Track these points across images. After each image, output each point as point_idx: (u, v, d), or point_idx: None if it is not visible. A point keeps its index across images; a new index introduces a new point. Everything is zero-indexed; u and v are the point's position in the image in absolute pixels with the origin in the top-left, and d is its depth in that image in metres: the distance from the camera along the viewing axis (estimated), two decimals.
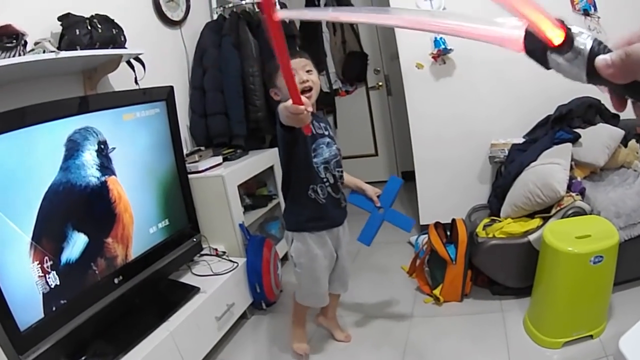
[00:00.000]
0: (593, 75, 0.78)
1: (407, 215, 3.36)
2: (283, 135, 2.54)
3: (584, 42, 0.76)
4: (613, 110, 3.95)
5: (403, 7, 4.28)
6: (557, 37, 0.76)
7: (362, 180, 3.26)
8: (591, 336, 2.99)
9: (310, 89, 2.71)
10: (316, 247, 2.90)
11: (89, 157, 2.75)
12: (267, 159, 4.57)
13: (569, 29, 0.76)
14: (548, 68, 0.85)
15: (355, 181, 3.22)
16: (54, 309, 2.50)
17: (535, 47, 0.82)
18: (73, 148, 2.65)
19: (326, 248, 2.95)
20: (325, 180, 2.81)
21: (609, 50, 0.76)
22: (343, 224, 3.05)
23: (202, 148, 4.24)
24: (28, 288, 2.39)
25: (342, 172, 2.95)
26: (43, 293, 2.45)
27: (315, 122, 2.81)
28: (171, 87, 3.46)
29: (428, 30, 0.93)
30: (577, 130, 3.84)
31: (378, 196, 3.19)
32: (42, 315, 2.44)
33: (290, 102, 2.05)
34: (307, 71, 2.71)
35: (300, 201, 2.84)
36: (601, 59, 0.74)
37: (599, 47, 0.75)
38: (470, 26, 0.91)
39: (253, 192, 4.79)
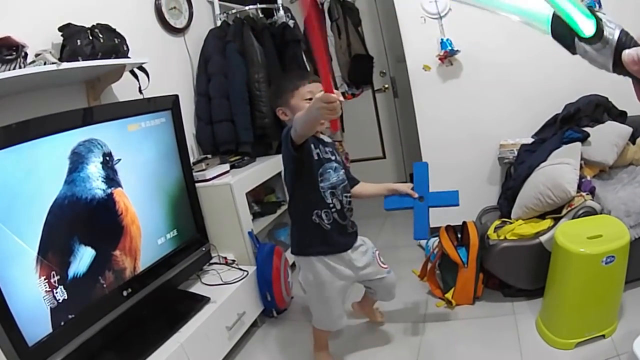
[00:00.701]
0: (619, 66, 0.77)
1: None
2: (292, 156, 2.55)
3: (612, 31, 0.76)
4: (621, 108, 3.95)
5: (408, 8, 4.29)
6: (588, 27, 0.75)
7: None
8: (603, 336, 2.97)
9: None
10: (323, 273, 2.85)
11: (94, 169, 2.74)
12: (274, 165, 4.54)
13: (600, 20, 0.75)
14: (574, 53, 0.84)
15: (382, 186, 3.16)
16: (62, 323, 2.48)
17: (563, 32, 0.81)
18: (77, 161, 2.64)
19: (336, 271, 2.89)
20: (331, 205, 2.77)
21: (635, 43, 0.74)
22: (355, 246, 2.97)
23: (209, 156, 4.23)
24: (35, 303, 2.37)
25: (349, 197, 2.90)
26: (51, 308, 2.43)
27: (322, 147, 2.78)
28: (176, 96, 3.44)
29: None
30: (585, 129, 3.82)
31: (412, 189, 3.12)
32: (51, 330, 2.42)
33: (321, 94, 2.05)
34: None
35: (304, 225, 2.81)
36: (629, 55, 0.74)
37: (626, 38, 0.75)
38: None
39: (261, 199, 4.77)
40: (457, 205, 3.07)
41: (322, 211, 2.74)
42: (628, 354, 1.87)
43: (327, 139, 2.86)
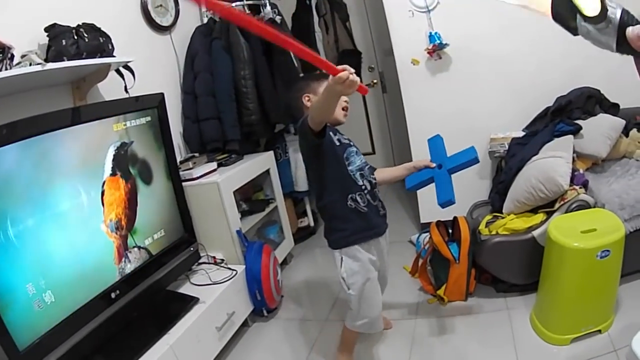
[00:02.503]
0: (623, 45, 0.76)
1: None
2: (314, 145, 2.56)
3: (614, 11, 0.74)
4: (614, 100, 3.94)
5: (396, 2, 4.26)
6: (593, 6, 0.74)
7: None
8: (599, 331, 2.96)
9: (347, 110, 2.80)
10: (369, 262, 2.80)
11: (80, 171, 2.70)
12: (262, 162, 4.54)
13: None
14: (575, 35, 0.82)
15: (401, 168, 3.08)
16: (51, 327, 2.44)
17: (564, 13, 0.79)
18: (63, 162, 2.60)
19: (374, 260, 2.85)
20: (363, 187, 2.75)
21: (637, 21, 0.73)
22: (385, 234, 2.94)
23: (196, 154, 4.20)
24: (25, 307, 2.33)
25: (374, 178, 2.87)
26: (40, 311, 2.40)
27: (340, 134, 2.79)
28: (162, 95, 3.40)
29: None
30: (577, 121, 3.81)
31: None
32: (41, 334, 2.38)
33: (332, 78, 2.06)
34: None
35: (342, 214, 2.76)
36: (632, 31, 0.73)
37: (627, 17, 0.74)
38: None
39: (250, 197, 4.75)
40: (477, 160, 2.89)
41: (357, 194, 2.73)
42: (627, 352, 1.84)
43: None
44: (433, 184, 2.87)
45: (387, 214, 2.95)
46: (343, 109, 2.74)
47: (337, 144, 2.71)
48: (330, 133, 2.65)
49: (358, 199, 2.72)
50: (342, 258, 2.82)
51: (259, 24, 1.73)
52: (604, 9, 0.72)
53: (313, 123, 2.43)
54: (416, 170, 2.96)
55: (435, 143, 3.01)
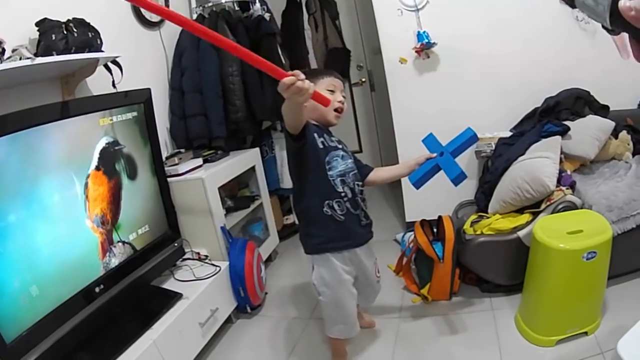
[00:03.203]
0: (616, 17, 0.76)
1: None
2: (293, 147, 2.53)
3: None
4: (601, 102, 3.93)
5: (385, 0, 4.27)
6: None
7: None
8: (586, 333, 2.95)
9: (342, 111, 2.76)
10: (342, 271, 2.76)
11: (66, 166, 2.70)
12: (248, 159, 4.54)
13: None
14: (573, 6, 0.83)
15: (401, 167, 3.03)
16: (37, 320, 2.44)
17: None
18: (49, 156, 2.60)
19: (349, 270, 2.81)
20: (343, 194, 2.67)
21: None
22: (367, 245, 2.89)
23: (182, 150, 4.18)
24: (12, 300, 2.33)
25: (361, 186, 2.81)
26: (26, 305, 2.39)
27: (327, 136, 2.73)
28: (148, 90, 3.40)
29: None
30: (565, 122, 3.81)
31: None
32: (27, 327, 2.38)
33: (280, 83, 1.94)
34: (343, 96, 2.74)
35: (317, 221, 2.71)
36: (625, 3, 0.72)
37: None
38: None
39: (235, 193, 4.74)
40: (476, 137, 2.82)
41: (334, 201, 2.66)
42: (612, 355, 1.84)
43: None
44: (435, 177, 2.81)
45: (371, 224, 2.90)
46: (335, 110, 2.70)
47: (320, 146, 2.64)
48: (315, 135, 2.62)
49: (335, 206, 2.66)
50: (313, 265, 2.82)
51: (199, 27, 1.67)
52: None
53: (287, 127, 2.42)
54: (418, 166, 2.85)
55: (430, 140, 2.96)
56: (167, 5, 4.52)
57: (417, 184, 2.79)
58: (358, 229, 2.78)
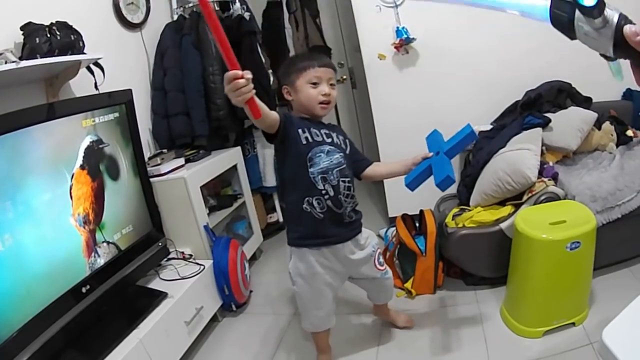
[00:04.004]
0: (620, 46, 0.77)
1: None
2: (271, 141, 2.54)
3: (612, 12, 0.75)
4: (584, 94, 3.95)
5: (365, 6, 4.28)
6: None
7: None
8: (573, 324, 2.97)
9: (329, 103, 2.66)
10: (317, 264, 2.74)
11: (50, 167, 2.70)
12: (230, 157, 4.54)
13: None
14: (573, 38, 0.83)
15: (400, 164, 2.85)
16: (26, 321, 2.44)
17: (563, 14, 0.81)
18: (34, 157, 2.61)
19: (329, 265, 2.78)
20: (323, 192, 2.61)
21: (634, 24, 0.75)
22: (352, 240, 2.81)
23: (165, 150, 4.19)
24: (0, 302, 2.34)
25: (348, 182, 2.70)
26: (14, 306, 2.40)
27: (314, 130, 2.64)
28: (130, 90, 3.40)
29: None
30: (547, 114, 3.84)
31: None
32: (16, 329, 2.38)
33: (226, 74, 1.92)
34: (331, 84, 2.65)
35: (294, 215, 2.70)
36: (630, 27, 0.73)
37: (625, 21, 0.75)
38: None
39: (218, 192, 4.74)
40: (474, 134, 2.65)
41: (314, 198, 2.61)
42: (598, 344, 1.85)
43: (325, 122, 2.81)
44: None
45: (358, 221, 2.85)
46: (320, 103, 2.62)
47: (303, 142, 2.58)
48: (299, 131, 2.58)
49: (315, 203, 2.62)
50: (291, 254, 2.82)
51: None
52: (601, 1, 0.74)
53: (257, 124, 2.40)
54: (415, 166, 2.73)
55: (432, 137, 2.87)
56: (148, 6, 4.53)
57: (411, 186, 2.69)
58: (338, 227, 2.72)
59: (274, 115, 2.41)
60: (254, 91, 2.01)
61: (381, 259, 3.02)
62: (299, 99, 2.61)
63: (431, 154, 2.68)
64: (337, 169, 2.65)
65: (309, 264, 2.74)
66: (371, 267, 2.96)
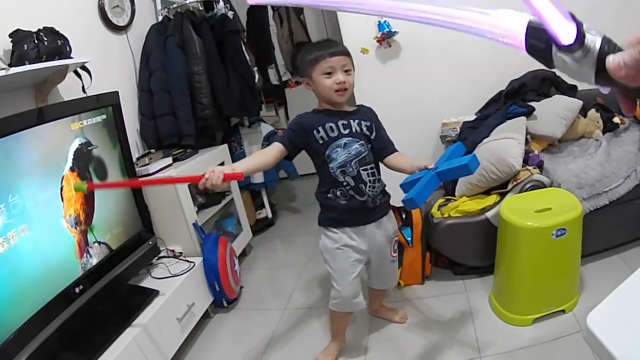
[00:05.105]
0: (603, 76, 0.72)
1: None
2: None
3: (593, 39, 0.71)
4: (572, 82, 3.95)
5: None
6: (568, 34, 0.71)
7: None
8: (563, 311, 2.99)
9: (346, 89, 2.67)
10: (342, 241, 2.82)
11: (41, 170, 2.73)
12: (217, 156, 4.56)
13: (581, 25, 0.71)
14: (551, 67, 0.80)
15: (409, 163, 2.72)
16: (22, 323, 2.47)
17: (539, 44, 0.77)
18: (25, 162, 2.63)
19: (353, 243, 2.83)
20: (344, 184, 2.70)
21: (619, 49, 0.71)
22: (376, 222, 2.86)
23: (152, 151, 4.20)
24: None
25: (371, 169, 2.74)
26: (10, 309, 2.43)
27: (331, 124, 2.69)
28: (116, 92, 3.42)
29: (415, 20, 0.88)
30: (531, 103, 3.86)
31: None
32: (12, 331, 2.40)
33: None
34: (346, 71, 2.65)
35: (322, 202, 2.85)
36: (613, 60, 0.68)
37: (608, 46, 0.70)
38: (464, 18, 0.86)
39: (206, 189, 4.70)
40: (468, 169, 2.30)
41: (337, 189, 2.72)
42: (584, 330, 1.86)
43: (350, 108, 2.85)
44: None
45: (385, 203, 2.89)
46: (336, 91, 2.63)
47: (320, 142, 2.67)
48: (314, 132, 2.67)
49: (338, 193, 2.72)
50: (321, 235, 2.90)
51: None
52: (581, 35, 0.69)
53: None
54: (418, 170, 2.62)
55: (449, 150, 2.66)
56: (133, 8, 4.55)
57: (404, 188, 2.56)
58: (362, 212, 2.78)
59: (271, 156, 2.62)
60: (222, 173, 2.18)
61: (396, 247, 3.07)
62: (318, 90, 2.67)
63: (432, 166, 2.56)
64: (356, 159, 2.69)
65: (334, 241, 2.82)
66: (387, 253, 3.01)
